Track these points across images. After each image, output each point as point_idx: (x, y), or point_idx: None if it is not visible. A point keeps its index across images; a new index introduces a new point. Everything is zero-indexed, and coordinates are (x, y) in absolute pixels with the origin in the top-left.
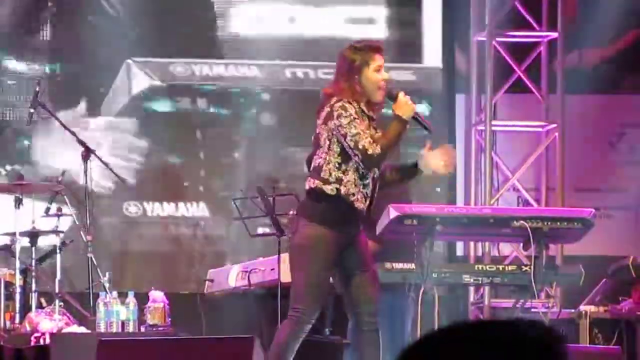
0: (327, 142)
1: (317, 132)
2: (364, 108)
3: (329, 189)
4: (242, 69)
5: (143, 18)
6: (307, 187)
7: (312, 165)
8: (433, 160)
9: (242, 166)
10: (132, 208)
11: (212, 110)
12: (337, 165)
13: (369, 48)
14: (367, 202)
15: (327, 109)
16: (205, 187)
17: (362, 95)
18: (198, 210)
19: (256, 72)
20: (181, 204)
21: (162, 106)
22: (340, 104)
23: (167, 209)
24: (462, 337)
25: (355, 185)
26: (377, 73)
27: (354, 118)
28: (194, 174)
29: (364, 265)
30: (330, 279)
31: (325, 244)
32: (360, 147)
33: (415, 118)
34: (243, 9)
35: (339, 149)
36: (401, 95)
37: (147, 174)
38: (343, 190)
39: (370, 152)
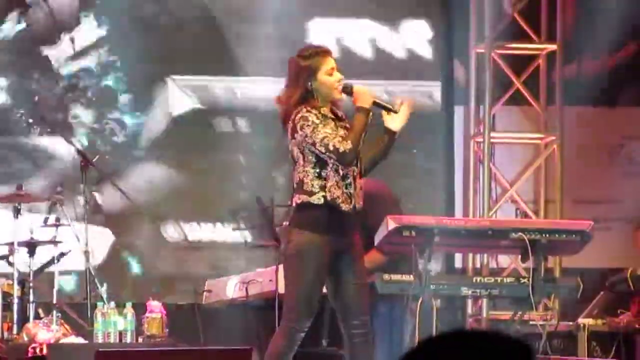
0: (301, 155)
1: (290, 148)
2: (326, 112)
3: (316, 199)
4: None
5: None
6: (294, 203)
7: (294, 182)
8: (397, 120)
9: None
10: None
11: (252, 131)
12: (316, 175)
13: (317, 53)
14: (353, 203)
15: (290, 124)
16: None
17: (318, 100)
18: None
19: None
20: (218, 224)
21: (202, 127)
22: (299, 115)
23: (204, 229)
24: (451, 345)
25: (338, 187)
26: (330, 76)
27: (317, 124)
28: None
29: (357, 276)
30: (324, 288)
31: (318, 251)
32: (331, 148)
33: (377, 104)
34: None
35: (313, 159)
36: (356, 87)
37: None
38: (328, 196)
39: (342, 149)
